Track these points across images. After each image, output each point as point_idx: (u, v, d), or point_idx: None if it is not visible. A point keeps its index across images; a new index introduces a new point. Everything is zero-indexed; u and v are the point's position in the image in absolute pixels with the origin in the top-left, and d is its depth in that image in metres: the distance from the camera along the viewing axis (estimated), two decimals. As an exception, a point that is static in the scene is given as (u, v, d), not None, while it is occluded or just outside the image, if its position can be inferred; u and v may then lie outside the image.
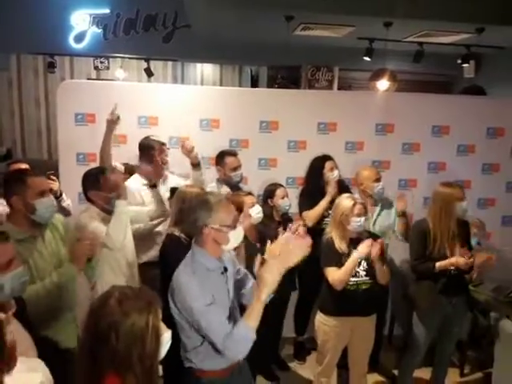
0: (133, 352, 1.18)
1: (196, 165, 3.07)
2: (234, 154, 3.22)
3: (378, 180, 3.15)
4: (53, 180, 3.02)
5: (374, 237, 2.62)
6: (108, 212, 2.41)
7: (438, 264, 2.69)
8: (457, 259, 2.64)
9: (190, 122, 3.55)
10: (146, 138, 3.11)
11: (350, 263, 2.48)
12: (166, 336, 1.38)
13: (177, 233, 2.37)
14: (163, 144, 3.08)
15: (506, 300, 3.14)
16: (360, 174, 3.23)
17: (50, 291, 1.93)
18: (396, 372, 3.23)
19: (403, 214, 3.09)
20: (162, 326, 1.35)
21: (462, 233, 2.79)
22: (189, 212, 2.16)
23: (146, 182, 3.02)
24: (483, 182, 3.85)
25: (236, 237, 1.82)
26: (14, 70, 6.34)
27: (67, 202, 3.10)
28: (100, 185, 2.40)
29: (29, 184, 1.99)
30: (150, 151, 3.03)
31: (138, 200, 2.93)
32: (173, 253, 2.31)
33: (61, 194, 3.07)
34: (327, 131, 3.69)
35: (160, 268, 2.44)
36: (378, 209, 3.19)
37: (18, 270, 1.68)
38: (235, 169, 3.16)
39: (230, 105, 3.61)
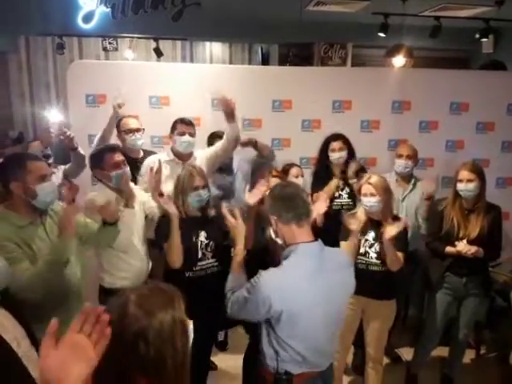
0: (165, 353, 1.08)
1: (230, 115, 2.81)
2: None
3: (401, 156, 3.18)
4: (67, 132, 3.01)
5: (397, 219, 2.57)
6: (116, 190, 2.44)
7: (447, 249, 2.74)
8: (461, 248, 2.66)
9: (201, 102, 3.49)
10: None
11: (351, 238, 2.47)
12: (191, 327, 1.34)
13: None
14: (184, 122, 2.96)
15: (527, 280, 3.09)
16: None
17: (43, 271, 1.82)
18: (398, 351, 3.30)
19: (428, 198, 2.99)
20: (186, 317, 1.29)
21: (477, 215, 2.73)
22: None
23: (172, 158, 2.95)
24: (502, 160, 3.76)
25: None
26: (23, 52, 6.28)
27: (82, 152, 3.12)
28: (102, 163, 2.41)
29: (29, 168, 1.91)
30: (172, 127, 2.98)
31: None
32: (164, 231, 2.31)
33: (77, 147, 3.09)
34: (342, 110, 3.61)
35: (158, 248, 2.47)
36: (410, 186, 3.19)
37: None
38: None
39: (242, 84, 3.53)
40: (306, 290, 1.68)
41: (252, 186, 2.62)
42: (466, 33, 4.86)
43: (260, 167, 3.20)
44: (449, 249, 2.74)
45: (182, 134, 2.90)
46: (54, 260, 1.87)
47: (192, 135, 2.94)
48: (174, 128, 2.96)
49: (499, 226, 2.79)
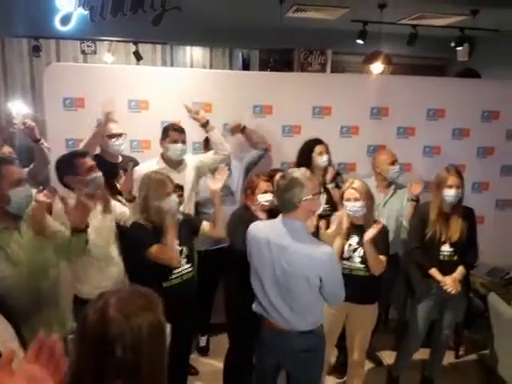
0: (142, 357, 1.08)
1: (205, 125, 3.04)
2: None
3: (393, 163, 3.19)
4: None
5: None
6: (88, 196, 2.30)
7: (432, 271, 2.78)
8: (448, 284, 2.72)
9: (181, 107, 3.45)
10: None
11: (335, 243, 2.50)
12: (168, 331, 1.33)
13: (141, 221, 2.30)
14: (177, 130, 2.96)
15: (503, 282, 3.15)
16: (376, 157, 3.29)
17: (23, 274, 1.83)
18: (379, 355, 3.34)
19: (416, 200, 3.05)
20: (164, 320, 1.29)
21: (457, 218, 2.78)
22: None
23: (163, 166, 2.92)
24: (478, 165, 3.84)
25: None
26: (-3, 55, 6.14)
27: (46, 144, 3.06)
28: (75, 169, 2.29)
29: (2, 173, 1.87)
30: (163, 133, 2.97)
31: None
32: (140, 239, 2.26)
33: (40, 138, 3.00)
34: (322, 115, 3.63)
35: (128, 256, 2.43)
36: (390, 191, 3.22)
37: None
38: None
39: (222, 89, 3.52)
40: (262, 239, 2.08)
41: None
42: (442, 41, 4.97)
43: (253, 166, 3.32)
44: (433, 272, 2.78)
45: (175, 141, 2.91)
46: (34, 269, 1.85)
47: (184, 142, 2.95)
48: (165, 135, 2.94)
49: (475, 228, 2.85)
